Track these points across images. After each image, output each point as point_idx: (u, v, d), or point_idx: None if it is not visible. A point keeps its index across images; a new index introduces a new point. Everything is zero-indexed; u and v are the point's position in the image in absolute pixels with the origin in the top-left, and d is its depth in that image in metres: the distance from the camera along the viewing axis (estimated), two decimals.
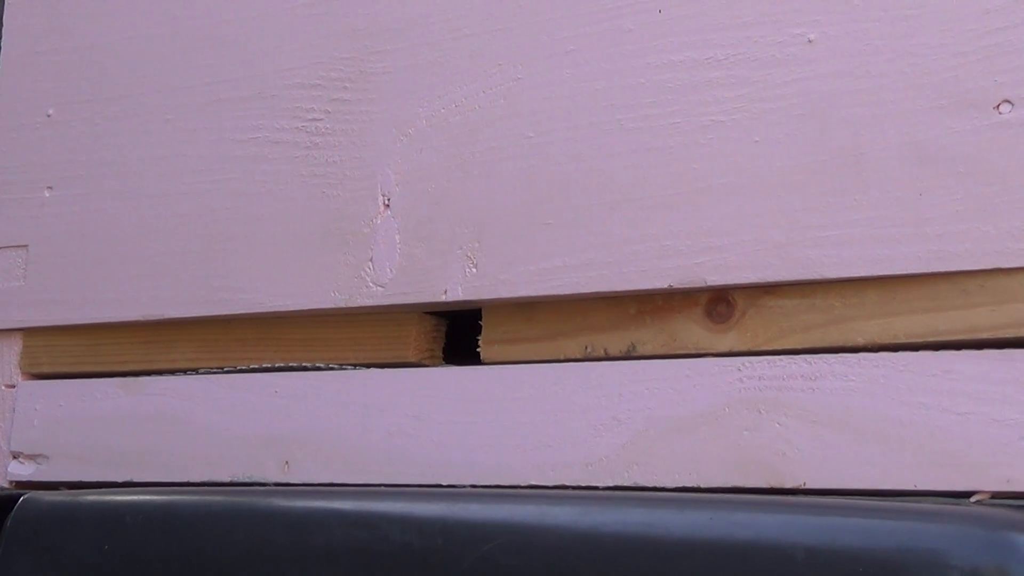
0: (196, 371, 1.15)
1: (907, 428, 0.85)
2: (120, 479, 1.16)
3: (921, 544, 0.75)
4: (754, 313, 0.93)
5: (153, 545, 1.01)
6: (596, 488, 0.95)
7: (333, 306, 1.07)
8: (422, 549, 0.89)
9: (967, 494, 0.83)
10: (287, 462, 1.08)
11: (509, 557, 0.86)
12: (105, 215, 1.20)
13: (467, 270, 1.01)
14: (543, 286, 0.98)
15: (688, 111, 0.94)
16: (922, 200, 0.86)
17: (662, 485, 0.92)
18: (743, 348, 0.92)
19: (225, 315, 1.13)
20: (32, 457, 1.21)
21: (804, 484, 0.88)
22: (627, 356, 0.97)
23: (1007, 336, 0.84)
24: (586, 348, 0.99)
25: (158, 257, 1.16)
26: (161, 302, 1.16)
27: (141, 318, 1.17)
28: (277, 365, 1.12)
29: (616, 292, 0.96)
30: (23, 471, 1.21)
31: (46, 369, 1.24)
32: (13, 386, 1.24)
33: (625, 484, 0.94)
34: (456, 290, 1.02)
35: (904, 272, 0.87)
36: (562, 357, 0.99)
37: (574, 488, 0.95)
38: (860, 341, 0.89)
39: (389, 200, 1.06)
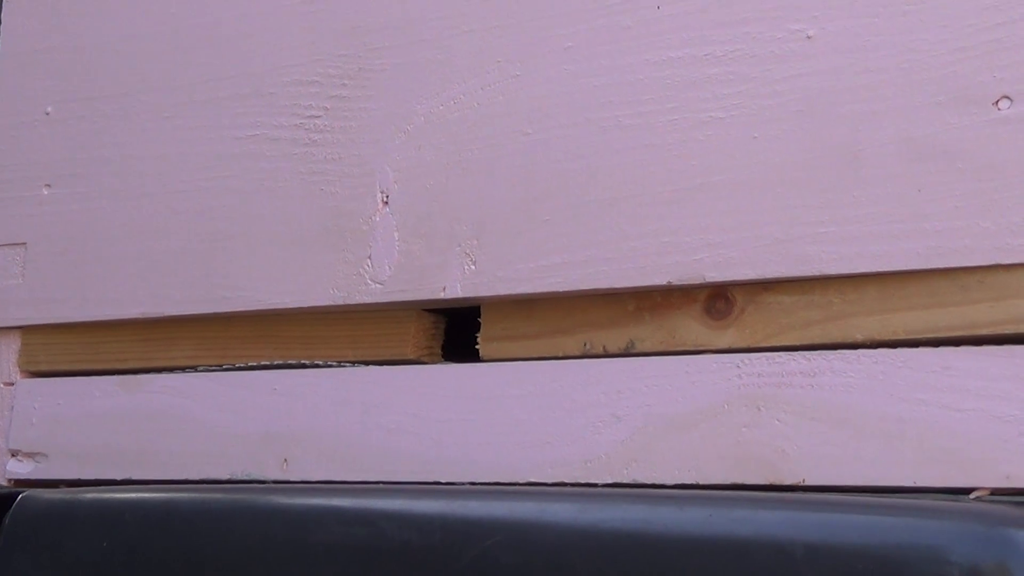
0: (195, 369, 1.15)
1: (906, 424, 0.85)
2: (119, 477, 1.16)
3: (920, 540, 0.75)
4: (753, 310, 0.93)
5: (152, 543, 1.01)
6: (595, 485, 0.95)
7: (332, 303, 1.07)
8: (421, 546, 0.89)
9: (966, 490, 0.83)
10: (286, 460, 1.08)
11: (508, 554, 0.86)
12: (103, 213, 1.20)
13: (466, 267, 1.01)
14: (542, 283, 0.98)
15: (687, 107, 0.94)
16: (921, 196, 0.86)
17: (661, 482, 0.92)
18: (742, 345, 0.92)
19: (224, 313, 1.13)
20: (31, 455, 1.21)
21: (803, 481, 0.88)
22: (626, 353, 0.97)
23: (1006, 332, 0.84)
24: (585, 345, 0.99)
25: (157, 255, 1.16)
26: (160, 300, 1.16)
27: (140, 316, 1.17)
28: (276, 363, 1.12)
29: (615, 289, 0.96)
30: (22, 469, 1.21)
31: (44, 367, 1.24)
32: (12, 384, 1.24)
33: (624, 481, 0.94)
34: (455, 287, 1.01)
35: (903, 268, 0.87)
36: (561, 354, 0.99)
37: (573, 485, 0.95)
38: (859, 337, 0.89)
39: (388, 197, 1.06)
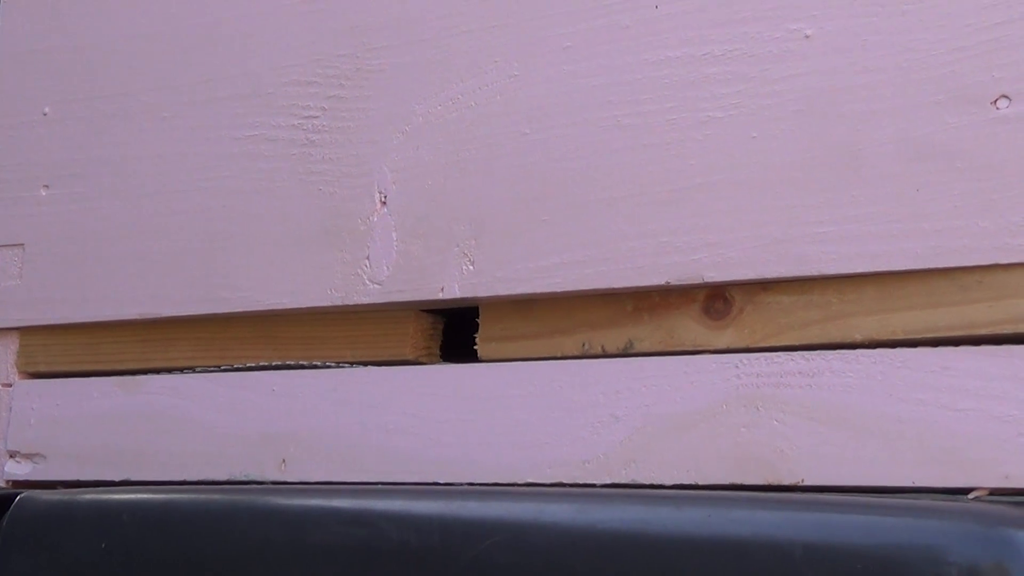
0: (193, 370, 1.15)
1: (905, 425, 0.85)
2: (117, 478, 1.16)
3: (919, 540, 0.75)
4: (752, 310, 0.93)
5: (150, 544, 1.01)
6: (594, 486, 0.95)
7: (330, 304, 1.07)
8: (419, 547, 0.89)
9: (965, 490, 0.83)
10: (284, 460, 1.08)
11: (506, 555, 0.86)
12: (102, 213, 1.20)
13: (464, 267, 1.01)
14: (540, 283, 0.98)
15: (685, 107, 0.94)
16: (920, 196, 0.86)
17: (660, 482, 0.92)
18: (741, 345, 0.92)
19: (222, 313, 1.13)
20: (29, 456, 1.21)
21: (802, 481, 0.88)
22: (624, 353, 0.97)
23: (1005, 332, 0.84)
24: (583, 345, 0.99)
25: (155, 255, 1.16)
26: (158, 300, 1.16)
27: (138, 316, 1.17)
28: (274, 363, 1.12)
29: (613, 289, 0.96)
30: (20, 470, 1.21)
31: (43, 368, 1.24)
32: (10, 385, 1.24)
33: (623, 481, 0.94)
34: (453, 288, 1.01)
35: (902, 268, 0.86)
36: (559, 354, 0.99)
37: (572, 486, 0.95)
38: (858, 337, 0.89)
39: (386, 197, 1.05)
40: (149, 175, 1.18)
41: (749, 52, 0.92)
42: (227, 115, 1.14)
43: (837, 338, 0.89)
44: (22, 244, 1.24)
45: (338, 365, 1.09)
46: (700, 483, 0.91)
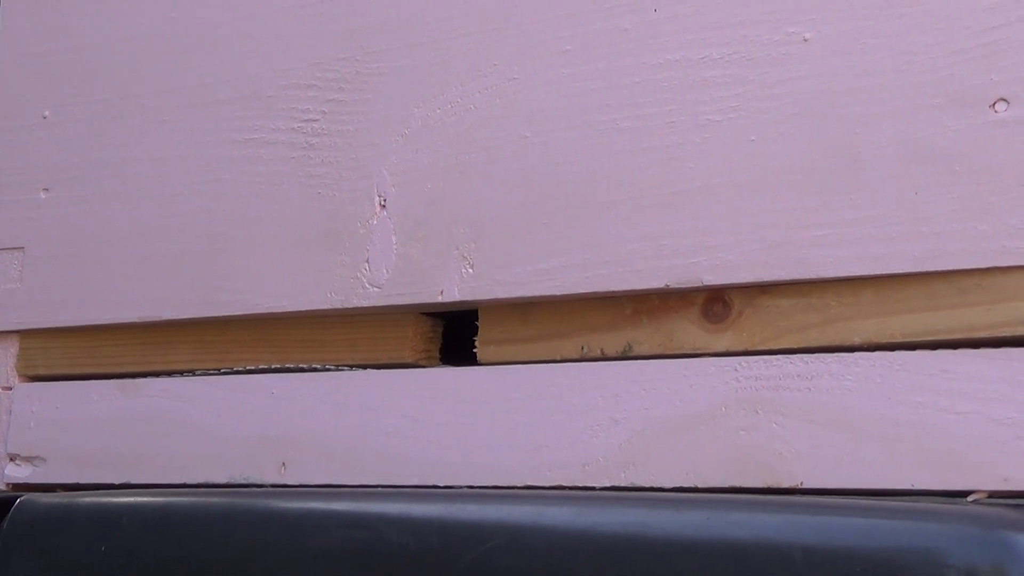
0: (193, 372, 1.15)
1: (904, 427, 0.85)
2: (117, 481, 1.15)
3: (918, 543, 0.75)
4: (751, 313, 0.93)
5: (150, 547, 1.01)
6: (593, 488, 0.95)
7: (329, 307, 1.07)
8: (419, 550, 0.89)
9: (964, 493, 0.83)
10: (284, 463, 1.08)
11: (506, 558, 0.86)
12: (101, 217, 1.20)
13: (463, 271, 1.01)
14: (540, 286, 0.98)
15: (684, 110, 0.94)
16: (918, 199, 0.86)
17: (659, 485, 0.92)
18: (740, 348, 0.92)
19: (222, 316, 1.13)
20: (29, 459, 1.21)
21: (801, 484, 0.88)
22: (624, 356, 0.97)
23: (1004, 335, 0.84)
24: (583, 348, 0.99)
25: (155, 258, 1.16)
26: (158, 303, 1.16)
27: (138, 320, 1.17)
28: (274, 366, 1.12)
29: (613, 292, 0.96)
30: (20, 473, 1.21)
31: (43, 371, 1.24)
32: (10, 388, 1.24)
33: (622, 484, 0.94)
34: (452, 291, 1.01)
35: (901, 271, 0.87)
36: (559, 357, 0.99)
37: (571, 488, 0.95)
38: (857, 340, 0.89)
39: (385, 201, 1.05)
40: (149, 178, 1.18)
41: (748, 55, 0.92)
42: (227, 118, 1.14)
43: (836, 341, 0.89)
44: (22, 247, 1.24)
45: (338, 368, 1.09)
46: (699, 486, 0.91)
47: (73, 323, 1.20)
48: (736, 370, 0.91)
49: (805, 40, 0.91)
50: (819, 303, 0.90)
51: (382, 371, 1.06)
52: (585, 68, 0.98)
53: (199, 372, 1.15)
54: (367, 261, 1.05)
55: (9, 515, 1.07)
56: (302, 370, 1.10)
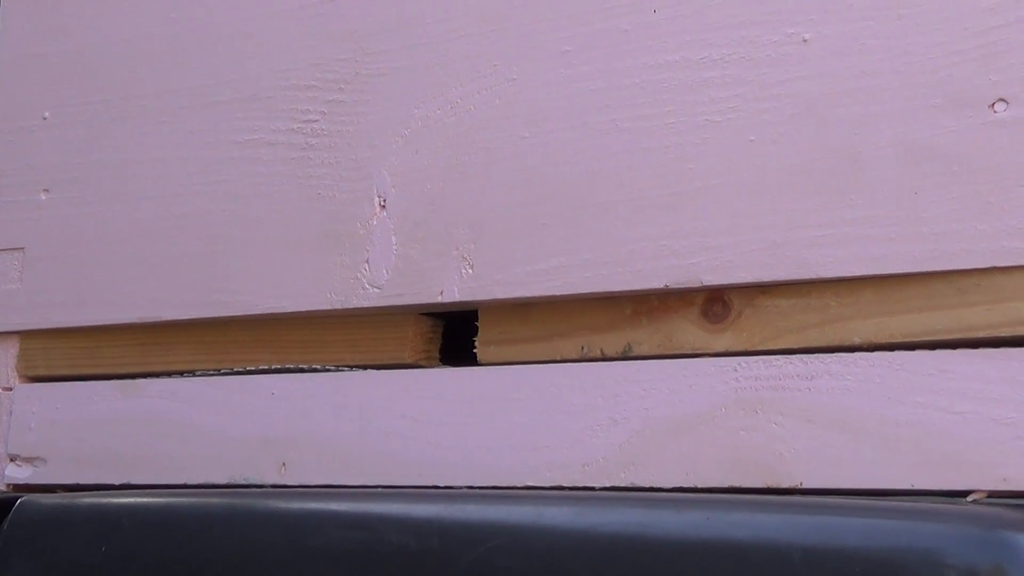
0: (193, 373, 1.15)
1: (903, 427, 0.85)
2: (117, 481, 1.16)
3: (918, 543, 0.75)
4: (750, 313, 0.93)
5: (150, 547, 1.01)
6: (593, 489, 0.95)
7: (329, 308, 1.07)
8: (419, 550, 0.89)
9: (964, 493, 0.83)
10: (284, 464, 1.08)
11: (506, 558, 0.86)
12: (101, 217, 1.20)
13: (463, 271, 1.01)
14: (539, 287, 0.98)
15: (683, 111, 0.94)
16: (918, 199, 0.86)
17: (659, 485, 0.92)
18: (739, 348, 0.92)
19: (222, 317, 1.13)
20: (29, 460, 1.21)
21: (801, 484, 0.88)
22: (623, 356, 0.97)
23: (1003, 335, 0.84)
24: (582, 348, 0.99)
25: (155, 259, 1.16)
26: (158, 304, 1.16)
27: (138, 320, 1.17)
28: (274, 367, 1.12)
29: (612, 292, 0.96)
30: (20, 474, 1.21)
31: (43, 372, 1.24)
32: (10, 389, 1.24)
33: (622, 485, 0.94)
34: (452, 291, 1.01)
35: (900, 271, 0.87)
36: (559, 358, 0.99)
37: (571, 489, 0.95)
38: (856, 341, 0.89)
39: (385, 201, 1.06)
40: (149, 179, 1.18)
41: (747, 56, 0.92)
42: (227, 119, 1.15)
43: (835, 341, 0.90)
44: (22, 248, 1.24)
45: (337, 369, 1.09)
46: (699, 486, 0.91)
47: (73, 324, 1.20)
48: (736, 370, 0.91)
49: (804, 41, 0.91)
50: (818, 303, 0.90)
51: (382, 371, 1.06)
52: (584, 69, 0.98)
53: (199, 373, 1.15)
54: (367, 262, 1.05)
55: (9, 516, 1.07)
56: (302, 370, 1.10)
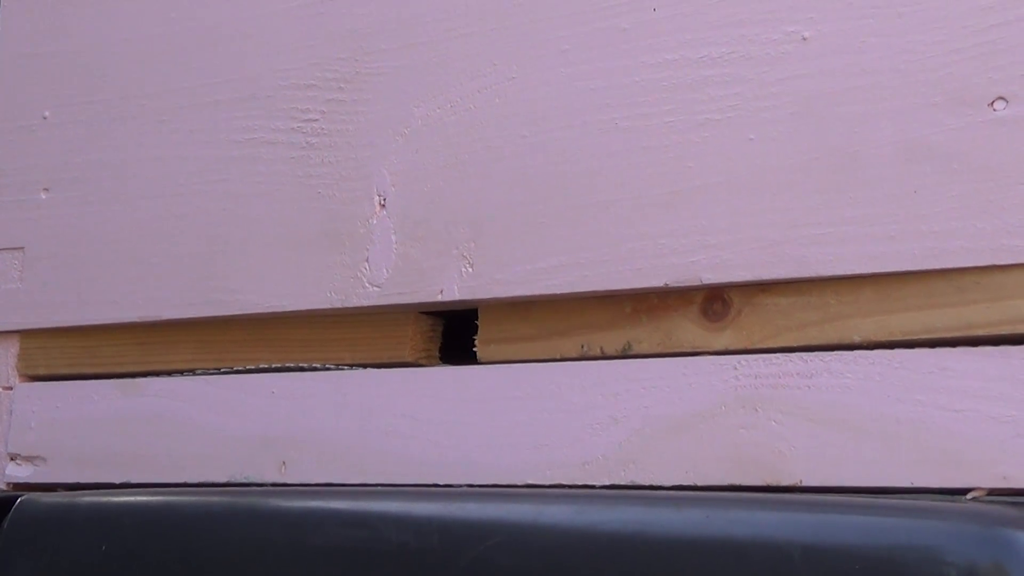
0: (193, 372, 1.15)
1: (903, 425, 0.85)
2: (117, 480, 1.16)
3: (918, 541, 0.75)
4: (750, 311, 0.93)
5: (151, 546, 1.01)
6: (593, 487, 0.95)
7: (329, 307, 1.07)
8: (419, 548, 0.89)
9: (964, 491, 0.83)
10: (284, 462, 1.08)
11: (506, 556, 0.86)
12: (101, 217, 1.20)
13: (463, 270, 1.01)
14: (539, 285, 0.98)
15: (683, 109, 0.94)
16: (917, 197, 0.86)
17: (659, 484, 0.92)
18: (739, 346, 0.92)
19: (222, 316, 1.13)
20: (29, 459, 1.21)
21: (800, 482, 0.88)
22: (623, 355, 0.97)
23: (1003, 333, 0.84)
24: (582, 347, 0.99)
25: (155, 259, 1.16)
26: (158, 303, 1.16)
27: (138, 320, 1.17)
28: (274, 366, 1.12)
29: (612, 291, 0.96)
30: (21, 473, 1.21)
31: (43, 371, 1.24)
32: (10, 388, 1.24)
33: (622, 483, 0.94)
34: (452, 290, 1.02)
35: (900, 269, 0.87)
36: (558, 356, 0.99)
37: (571, 487, 0.95)
38: (856, 339, 0.89)
39: (385, 200, 1.06)
40: (149, 178, 1.18)
41: (747, 54, 0.93)
42: (226, 118, 1.15)
43: (835, 339, 0.90)
44: (22, 247, 1.24)
45: (337, 367, 1.09)
46: (699, 484, 0.91)
47: (73, 323, 1.20)
48: (735, 368, 0.91)
49: (804, 39, 0.91)
50: (818, 301, 0.90)
51: (382, 370, 1.06)
52: (584, 68, 0.98)
53: (199, 372, 1.15)
54: (367, 260, 1.06)
55: (9, 515, 1.07)
56: (302, 369, 1.10)
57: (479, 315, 1.03)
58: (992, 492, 0.82)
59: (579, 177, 0.98)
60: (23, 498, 1.08)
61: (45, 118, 1.25)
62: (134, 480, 1.15)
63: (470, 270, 1.01)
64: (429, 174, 1.04)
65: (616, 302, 0.98)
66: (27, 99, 1.26)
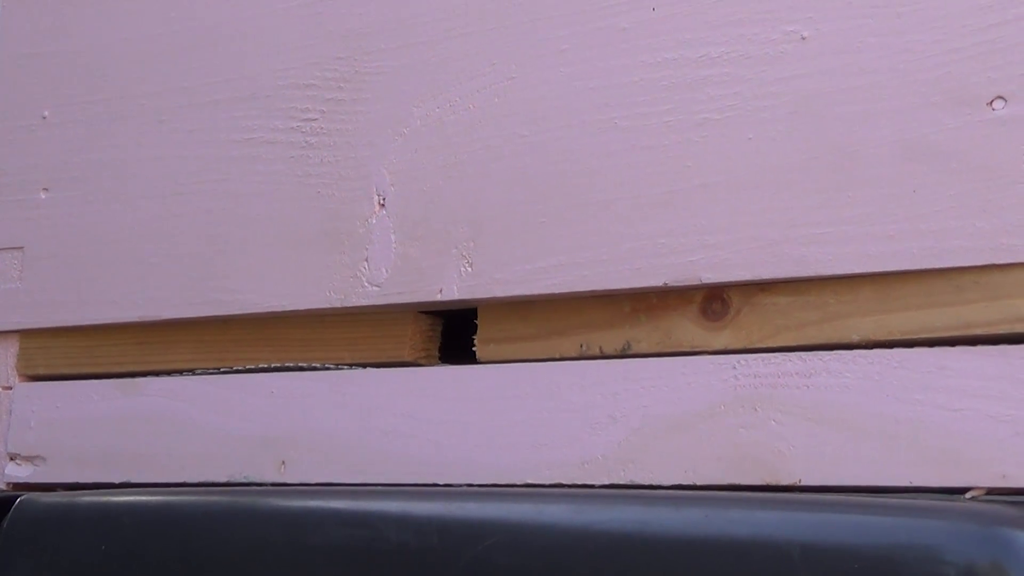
0: (193, 372, 1.15)
1: (902, 425, 0.85)
2: (117, 480, 1.16)
3: (917, 540, 0.75)
4: (749, 311, 0.93)
5: (150, 546, 1.01)
6: (592, 486, 0.95)
7: (329, 306, 1.07)
8: (418, 548, 0.89)
9: (962, 490, 0.83)
10: (284, 462, 1.08)
11: (505, 556, 0.86)
12: (101, 216, 1.20)
13: (462, 269, 1.01)
14: (538, 285, 0.98)
15: (682, 109, 0.94)
16: (916, 197, 0.86)
17: (658, 483, 0.92)
18: (738, 346, 0.92)
19: (221, 316, 1.13)
20: (29, 459, 1.21)
21: (800, 481, 0.88)
22: (622, 354, 0.97)
23: (1002, 332, 0.84)
24: (582, 346, 0.99)
25: (154, 258, 1.16)
26: (157, 303, 1.16)
27: (137, 319, 1.17)
28: (273, 365, 1.12)
29: (611, 290, 0.96)
30: (20, 473, 1.21)
31: (43, 371, 1.24)
32: (10, 388, 1.24)
33: (621, 482, 0.94)
34: (451, 289, 1.02)
35: (898, 269, 0.87)
36: (558, 356, 1.00)
37: (570, 486, 0.95)
38: (855, 338, 0.89)
39: (384, 200, 1.06)
40: (148, 178, 1.18)
41: (746, 54, 0.93)
42: (226, 118, 1.15)
43: (834, 339, 0.90)
44: (22, 247, 1.24)
45: (337, 367, 1.09)
46: (698, 483, 0.91)
47: (73, 323, 1.20)
48: (735, 368, 0.91)
49: (803, 39, 0.91)
50: (817, 301, 0.90)
51: (381, 370, 1.06)
52: (583, 67, 0.99)
53: (199, 372, 1.15)
54: (366, 260, 1.06)
55: (9, 515, 1.07)
56: (302, 369, 1.10)
57: (478, 315, 1.03)
58: (991, 491, 0.82)
59: (578, 177, 0.98)
60: (23, 498, 1.08)
61: (45, 118, 1.25)
62: (134, 480, 1.15)
63: (469, 269, 1.01)
64: (428, 174, 1.04)
65: (615, 301, 0.98)
66: (27, 99, 1.26)
